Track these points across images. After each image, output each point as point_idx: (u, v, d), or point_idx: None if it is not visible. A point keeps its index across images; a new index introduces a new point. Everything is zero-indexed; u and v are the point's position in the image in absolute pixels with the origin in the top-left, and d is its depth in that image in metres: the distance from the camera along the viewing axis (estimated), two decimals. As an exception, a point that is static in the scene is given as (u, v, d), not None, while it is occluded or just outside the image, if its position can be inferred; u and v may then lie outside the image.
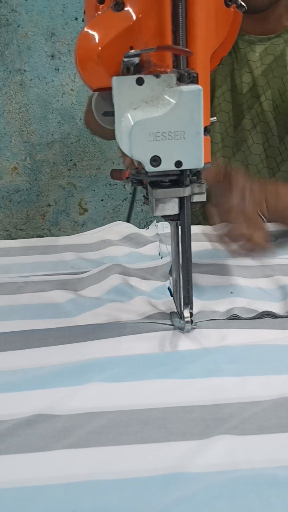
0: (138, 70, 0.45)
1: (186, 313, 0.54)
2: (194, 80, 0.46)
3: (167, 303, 0.63)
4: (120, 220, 0.97)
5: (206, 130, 0.48)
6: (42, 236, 1.80)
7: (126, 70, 0.45)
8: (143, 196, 0.55)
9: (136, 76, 0.44)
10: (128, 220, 0.86)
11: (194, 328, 0.57)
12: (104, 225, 0.92)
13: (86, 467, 0.40)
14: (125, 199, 1.81)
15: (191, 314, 0.55)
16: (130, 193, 1.64)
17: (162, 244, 0.82)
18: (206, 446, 0.41)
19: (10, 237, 1.80)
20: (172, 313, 0.61)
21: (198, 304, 0.62)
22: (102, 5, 0.48)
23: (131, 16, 0.46)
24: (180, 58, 0.46)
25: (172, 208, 0.50)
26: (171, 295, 0.65)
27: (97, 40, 0.46)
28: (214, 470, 0.39)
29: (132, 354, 0.53)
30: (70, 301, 0.65)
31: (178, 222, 0.53)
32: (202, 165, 0.47)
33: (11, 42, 1.58)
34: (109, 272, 0.70)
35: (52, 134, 1.70)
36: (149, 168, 0.46)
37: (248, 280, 0.68)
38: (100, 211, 1.82)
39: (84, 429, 0.43)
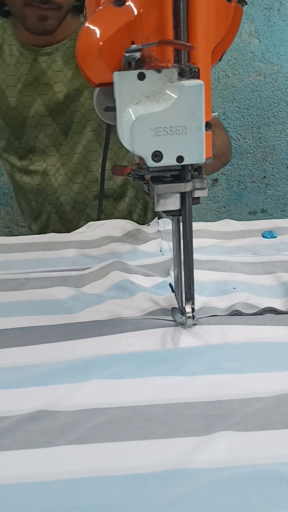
0: (140, 65, 0.45)
1: (188, 309, 0.54)
2: (195, 75, 0.45)
3: (168, 299, 0.63)
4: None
5: (208, 125, 0.48)
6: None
7: (128, 65, 0.45)
8: (145, 191, 0.55)
9: (137, 71, 0.44)
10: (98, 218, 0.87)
11: (196, 324, 0.57)
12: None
13: (88, 463, 0.40)
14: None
15: (193, 310, 0.55)
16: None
17: (163, 241, 0.82)
18: (208, 442, 0.41)
19: (11, 233, 1.80)
20: (173, 309, 0.61)
21: (199, 300, 0.62)
22: (103, 0, 0.48)
23: (132, 11, 0.46)
24: (182, 53, 0.46)
25: (173, 203, 0.50)
26: (173, 291, 0.65)
27: (98, 35, 0.46)
28: (216, 466, 0.39)
29: (134, 351, 0.53)
30: (72, 298, 0.65)
31: (180, 217, 0.53)
32: (204, 160, 0.47)
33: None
34: (110, 268, 0.70)
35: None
36: (150, 163, 0.46)
37: (249, 277, 0.68)
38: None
39: (86, 425, 0.43)
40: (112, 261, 0.72)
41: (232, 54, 1.57)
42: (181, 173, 0.49)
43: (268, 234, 0.84)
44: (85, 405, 0.46)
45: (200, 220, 1.67)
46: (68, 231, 0.87)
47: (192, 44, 0.46)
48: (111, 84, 0.46)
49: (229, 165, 1.66)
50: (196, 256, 0.70)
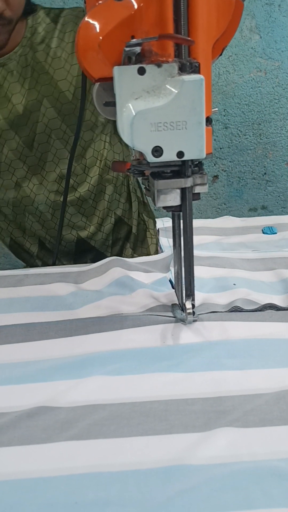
0: (140, 59, 0.45)
1: (188, 305, 0.54)
2: (196, 69, 0.45)
3: (168, 295, 0.63)
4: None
5: (208, 120, 0.48)
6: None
7: (128, 60, 0.45)
8: (145, 188, 0.55)
9: (137, 66, 0.44)
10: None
11: (196, 320, 0.56)
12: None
13: (88, 459, 0.40)
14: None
15: (193, 306, 0.54)
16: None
17: (163, 238, 0.82)
18: (208, 438, 0.41)
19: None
20: (173, 305, 0.61)
21: (200, 296, 0.61)
22: (103, -6, 0.47)
23: (132, 5, 0.46)
24: (182, 48, 0.46)
25: (174, 199, 0.50)
26: (173, 287, 0.65)
27: (98, 30, 0.46)
28: (216, 463, 0.39)
29: (134, 348, 0.53)
30: (71, 294, 0.65)
31: (180, 214, 0.53)
32: (204, 155, 0.46)
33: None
34: (110, 265, 0.70)
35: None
36: (150, 158, 0.45)
37: (249, 273, 0.68)
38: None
39: (86, 421, 0.43)
40: (112, 258, 0.72)
41: (232, 50, 1.56)
42: (181, 168, 0.48)
43: (268, 230, 0.84)
44: (85, 401, 0.45)
45: (200, 217, 1.67)
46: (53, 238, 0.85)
47: (193, 39, 0.46)
48: (111, 79, 0.45)
49: (230, 161, 1.66)
50: (196, 252, 0.70)
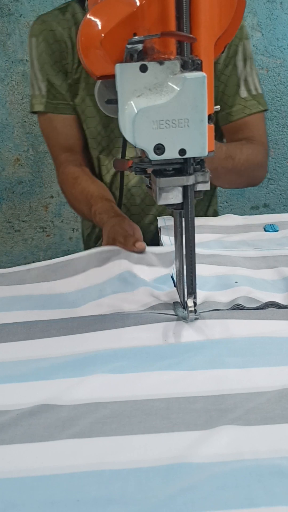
0: (142, 57, 0.45)
1: (190, 303, 0.54)
2: (198, 67, 0.45)
3: (170, 293, 0.63)
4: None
5: (210, 118, 0.47)
6: (45, 228, 1.80)
7: (130, 57, 0.44)
8: (147, 185, 0.55)
9: (139, 63, 0.44)
10: None
11: (198, 318, 0.56)
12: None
13: (90, 457, 0.40)
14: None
15: (195, 304, 0.54)
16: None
17: (164, 236, 0.81)
18: (210, 436, 0.41)
19: (13, 228, 1.79)
20: (175, 303, 0.60)
21: (201, 294, 0.61)
22: (105, -9, 0.47)
23: (134, 2, 0.46)
24: (184, 45, 0.45)
25: (175, 197, 0.49)
26: (175, 285, 0.65)
27: (99, 27, 0.46)
28: (218, 461, 0.38)
29: (135, 346, 0.53)
30: (73, 292, 0.65)
31: (182, 212, 0.52)
32: (206, 153, 0.46)
33: (13, 32, 1.57)
34: (112, 254, 0.70)
35: (55, 125, 1.69)
36: (152, 156, 0.45)
37: (251, 271, 0.68)
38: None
39: (87, 419, 0.43)
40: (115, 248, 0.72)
41: (234, 48, 1.56)
42: (183, 166, 0.48)
43: (270, 228, 0.83)
44: (86, 399, 0.45)
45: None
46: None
47: (195, 36, 0.46)
48: (113, 76, 0.45)
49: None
50: (198, 250, 0.70)
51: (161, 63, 0.44)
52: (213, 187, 1.09)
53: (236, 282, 0.64)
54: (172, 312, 0.59)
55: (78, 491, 0.37)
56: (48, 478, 0.38)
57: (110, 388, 0.47)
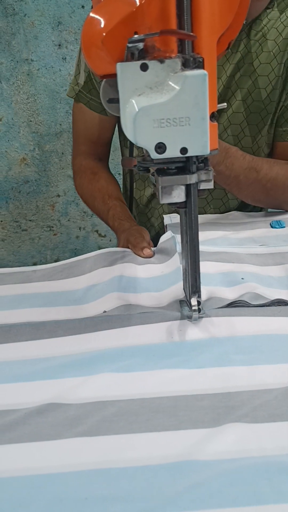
0: (143, 55, 0.44)
1: (194, 302, 0.54)
2: (199, 65, 0.45)
3: (176, 291, 0.63)
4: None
5: (213, 116, 0.47)
6: (52, 227, 1.80)
7: (131, 56, 0.44)
8: (152, 183, 0.55)
9: (140, 62, 0.44)
10: None
11: (203, 317, 0.56)
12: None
13: (97, 455, 0.40)
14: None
15: (199, 303, 0.54)
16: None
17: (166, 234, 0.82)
18: (217, 434, 0.41)
19: (20, 228, 1.80)
20: (181, 301, 0.60)
21: (207, 291, 0.61)
22: (106, -10, 0.47)
23: (135, 1, 0.45)
24: (185, 43, 0.45)
25: (178, 195, 0.49)
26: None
27: (101, 26, 0.46)
28: (225, 458, 0.39)
29: (142, 345, 0.53)
30: (80, 290, 0.65)
31: (186, 210, 0.52)
32: (208, 151, 0.46)
33: (17, 32, 1.58)
34: (119, 256, 0.70)
35: (61, 124, 1.69)
36: (154, 155, 0.45)
37: (258, 268, 0.68)
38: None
39: (95, 417, 0.43)
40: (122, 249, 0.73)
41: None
42: (185, 165, 0.48)
43: (277, 224, 0.83)
44: (94, 398, 0.46)
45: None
46: None
47: (196, 34, 0.45)
48: (115, 75, 0.45)
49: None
50: (204, 248, 0.70)
51: (161, 61, 0.44)
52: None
53: (242, 278, 0.64)
54: (177, 310, 0.59)
55: (86, 489, 0.37)
56: (56, 476, 0.38)
57: (117, 386, 0.47)
